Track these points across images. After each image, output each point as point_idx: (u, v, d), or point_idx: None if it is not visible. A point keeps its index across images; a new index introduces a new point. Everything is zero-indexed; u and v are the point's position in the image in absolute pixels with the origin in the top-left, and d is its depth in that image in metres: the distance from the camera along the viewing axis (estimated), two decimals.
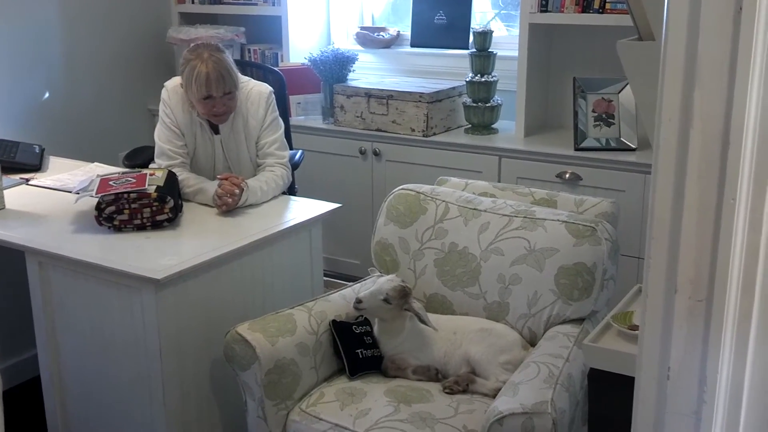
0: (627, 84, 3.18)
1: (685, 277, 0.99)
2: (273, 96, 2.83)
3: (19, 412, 2.83)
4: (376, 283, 2.31)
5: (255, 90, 2.79)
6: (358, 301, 2.27)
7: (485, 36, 3.46)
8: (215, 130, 2.77)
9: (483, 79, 3.47)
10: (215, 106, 2.64)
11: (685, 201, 0.98)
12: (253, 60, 4.19)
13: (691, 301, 0.99)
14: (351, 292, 2.48)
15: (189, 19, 4.32)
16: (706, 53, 0.94)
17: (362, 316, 2.37)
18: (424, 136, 3.49)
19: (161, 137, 2.77)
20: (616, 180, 3.07)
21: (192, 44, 2.77)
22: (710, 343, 0.99)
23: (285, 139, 2.86)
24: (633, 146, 3.17)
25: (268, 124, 2.79)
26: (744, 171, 0.93)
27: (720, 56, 0.93)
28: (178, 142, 2.75)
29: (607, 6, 3.15)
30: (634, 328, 1.73)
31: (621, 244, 2.41)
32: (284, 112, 2.98)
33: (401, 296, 2.26)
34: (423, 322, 2.25)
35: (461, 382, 2.17)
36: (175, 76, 4.18)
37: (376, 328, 2.35)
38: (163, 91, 2.78)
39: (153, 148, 3.74)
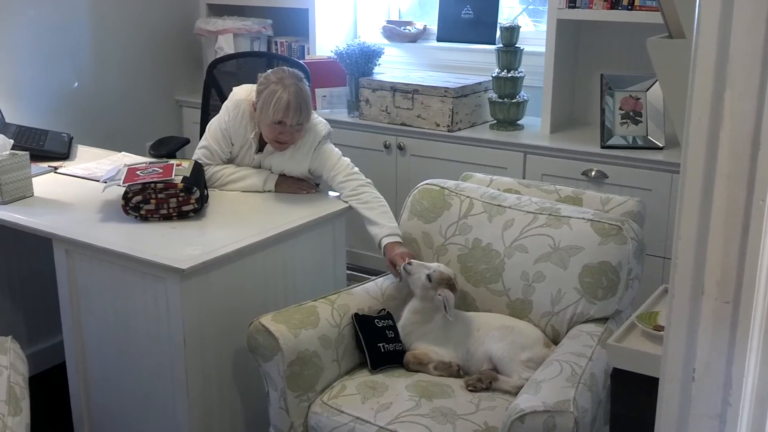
0: (655, 82, 3.15)
1: (712, 279, 0.98)
2: (328, 138, 2.76)
3: (45, 397, 2.88)
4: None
5: (312, 131, 2.72)
6: (409, 263, 2.33)
7: (512, 31, 3.44)
8: (259, 148, 2.78)
9: (509, 75, 3.45)
10: (283, 133, 2.63)
11: (714, 201, 0.97)
12: (279, 52, 4.21)
13: (718, 302, 0.98)
14: (374, 285, 2.49)
15: (217, 10, 4.34)
16: (738, 53, 0.93)
17: (385, 309, 2.38)
18: (448, 131, 3.48)
19: (212, 133, 2.78)
20: (643, 179, 3.05)
21: (275, 68, 2.75)
22: (736, 345, 0.98)
23: (344, 158, 2.75)
24: (660, 145, 3.14)
25: (319, 158, 2.73)
26: None
27: (752, 56, 0.92)
28: (224, 146, 2.78)
29: (636, 2, 3.12)
30: (659, 328, 1.72)
31: (647, 244, 2.39)
32: None
33: (440, 282, 2.27)
34: (445, 309, 2.24)
35: (484, 380, 2.17)
36: (201, 66, 4.27)
37: (403, 316, 2.35)
38: (231, 99, 2.79)
39: (179, 138, 3.80)
